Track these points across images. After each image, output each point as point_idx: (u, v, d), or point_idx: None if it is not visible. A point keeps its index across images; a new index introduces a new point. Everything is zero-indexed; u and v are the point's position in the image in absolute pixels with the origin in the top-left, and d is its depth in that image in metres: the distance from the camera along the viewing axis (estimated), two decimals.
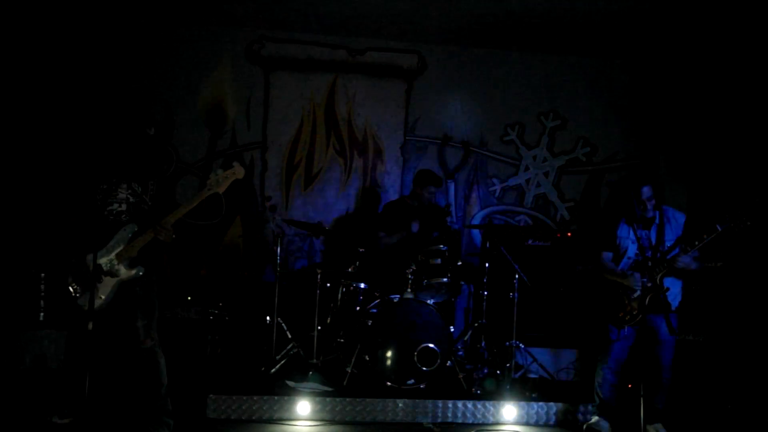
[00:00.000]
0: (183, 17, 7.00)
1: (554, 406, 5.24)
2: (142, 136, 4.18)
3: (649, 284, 4.63)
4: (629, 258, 4.83)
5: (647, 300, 4.64)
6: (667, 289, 4.56)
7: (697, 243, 4.56)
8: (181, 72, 7.15)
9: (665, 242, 4.72)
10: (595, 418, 4.95)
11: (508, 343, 5.91)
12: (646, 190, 4.71)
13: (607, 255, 4.93)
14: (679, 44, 7.02)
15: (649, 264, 4.67)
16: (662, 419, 4.77)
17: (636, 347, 4.87)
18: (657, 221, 4.78)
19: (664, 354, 4.74)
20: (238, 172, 4.18)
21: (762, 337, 5.61)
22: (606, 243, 4.95)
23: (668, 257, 4.61)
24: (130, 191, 4.21)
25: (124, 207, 4.19)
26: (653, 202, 4.73)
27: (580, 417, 5.22)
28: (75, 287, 4.09)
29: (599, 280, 4.95)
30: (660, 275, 4.61)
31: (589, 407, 5.14)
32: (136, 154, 4.24)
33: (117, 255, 4.09)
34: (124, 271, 4.11)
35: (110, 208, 4.18)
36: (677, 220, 4.82)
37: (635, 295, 4.69)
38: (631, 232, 4.80)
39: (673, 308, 4.68)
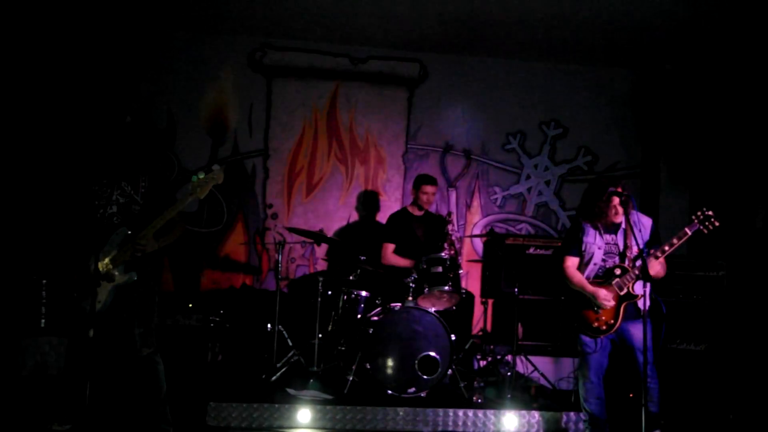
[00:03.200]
0: (185, 25, 7.03)
1: (555, 415, 5.23)
2: (123, 128, 4.15)
3: (622, 292, 4.59)
4: (595, 264, 4.72)
5: (622, 308, 4.60)
6: (640, 296, 4.48)
7: (667, 248, 4.54)
8: (184, 79, 7.16)
9: (632, 247, 4.67)
10: None
11: (509, 352, 5.90)
12: (617, 197, 4.64)
13: (573, 261, 4.79)
14: (680, 52, 7.05)
15: (618, 272, 4.63)
16: (660, 426, 4.72)
17: (615, 355, 4.82)
18: (624, 226, 4.71)
19: (642, 360, 4.66)
20: (218, 177, 4.11)
21: (763, 347, 5.60)
22: (571, 248, 4.81)
23: (638, 264, 4.57)
24: (119, 191, 4.20)
25: (114, 209, 4.18)
26: (622, 208, 4.67)
27: (572, 426, 5.21)
28: (76, 293, 4.09)
29: (568, 289, 4.81)
30: (632, 282, 4.59)
31: (581, 415, 5.11)
32: (120, 146, 4.20)
33: (111, 259, 4.09)
34: (118, 276, 4.10)
35: (102, 211, 4.16)
36: (644, 224, 4.75)
37: (607, 305, 4.63)
38: (598, 238, 4.73)
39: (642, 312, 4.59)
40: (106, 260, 4.08)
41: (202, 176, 4.09)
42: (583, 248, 4.77)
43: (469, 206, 7.55)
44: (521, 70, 7.62)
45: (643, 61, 7.44)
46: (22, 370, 5.60)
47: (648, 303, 4.67)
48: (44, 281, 5.77)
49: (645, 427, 4.21)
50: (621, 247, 4.71)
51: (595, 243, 4.73)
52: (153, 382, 4.21)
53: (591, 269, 4.75)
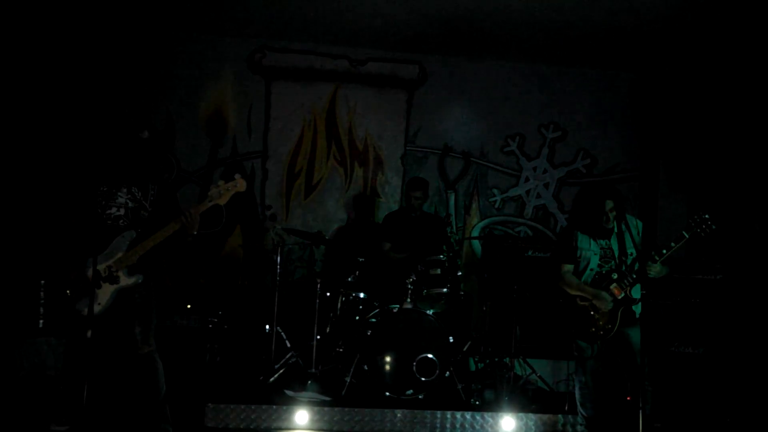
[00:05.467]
0: (185, 26, 7.03)
1: (553, 418, 5.23)
2: (138, 140, 4.18)
3: (620, 296, 4.59)
4: (592, 270, 4.75)
5: (620, 313, 4.60)
6: (638, 300, 4.51)
7: (664, 251, 4.55)
8: (183, 81, 7.17)
9: (627, 251, 4.68)
10: None
11: (507, 354, 5.90)
12: (610, 203, 4.67)
13: (569, 268, 4.83)
14: (679, 56, 7.05)
15: (615, 276, 4.64)
16: (653, 429, 4.71)
17: (612, 360, 4.83)
18: (616, 230, 4.72)
19: (639, 364, 4.67)
20: (240, 185, 4.16)
21: (762, 350, 5.60)
22: (566, 256, 4.86)
23: (637, 267, 4.57)
24: (129, 196, 4.21)
25: (122, 212, 4.18)
26: (614, 213, 4.69)
27: (569, 429, 5.21)
28: (71, 292, 4.09)
29: (565, 295, 4.85)
30: (630, 286, 4.59)
31: (578, 419, 5.12)
32: (135, 158, 4.22)
33: (116, 262, 4.09)
34: (123, 279, 4.10)
35: (108, 212, 4.16)
36: (636, 227, 4.75)
37: (605, 309, 4.64)
38: (592, 243, 4.75)
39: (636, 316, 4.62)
40: (109, 262, 4.07)
41: (222, 184, 4.13)
42: (578, 254, 4.79)
43: (467, 208, 7.56)
44: (520, 73, 7.63)
45: (642, 64, 7.45)
46: (20, 371, 5.60)
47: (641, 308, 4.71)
48: (42, 282, 5.76)
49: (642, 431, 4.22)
50: (616, 252, 4.71)
51: (590, 248, 4.75)
52: (152, 381, 4.21)
53: (587, 275, 4.76)
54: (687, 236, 4.53)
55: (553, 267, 4.95)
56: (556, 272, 4.90)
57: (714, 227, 4.51)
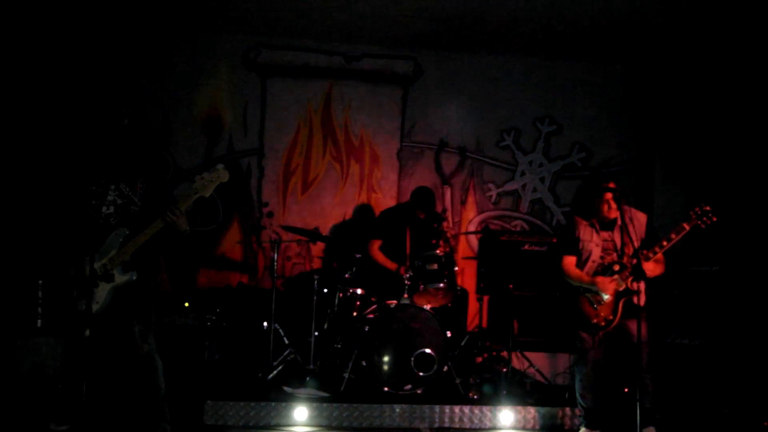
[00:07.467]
0: (180, 24, 7.01)
1: (551, 411, 5.26)
2: (121, 131, 4.15)
3: (621, 288, 4.61)
4: (594, 261, 4.76)
5: (621, 304, 4.62)
6: (638, 292, 4.52)
7: (665, 243, 4.56)
8: (178, 79, 7.15)
9: (629, 243, 4.64)
10: (583, 430, 4.92)
11: (504, 348, 5.92)
12: (608, 193, 4.66)
13: (571, 259, 4.83)
14: (675, 49, 7.05)
15: (617, 268, 4.65)
16: (653, 422, 4.74)
17: (612, 352, 4.84)
18: (619, 222, 4.73)
19: (639, 356, 4.69)
20: (222, 175, 4.13)
21: (758, 341, 5.62)
22: (568, 247, 4.87)
23: (634, 263, 4.56)
24: (117, 192, 4.20)
25: (111, 209, 4.18)
26: (614, 203, 4.70)
27: (568, 421, 5.23)
28: (76, 293, 4.09)
29: (566, 286, 4.86)
30: (630, 279, 4.60)
31: (576, 412, 5.13)
32: (117, 149, 4.20)
33: (110, 260, 4.09)
34: (118, 276, 4.10)
35: (101, 210, 4.17)
36: (639, 220, 4.77)
37: (605, 299, 4.65)
38: (595, 235, 4.77)
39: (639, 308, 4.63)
40: (104, 260, 4.08)
41: (206, 175, 4.11)
42: (580, 246, 4.81)
43: (463, 203, 7.56)
44: (516, 67, 7.62)
45: (636, 56, 7.45)
46: (19, 371, 5.60)
47: (644, 298, 4.72)
48: (40, 281, 5.77)
49: (639, 423, 4.24)
50: (618, 244, 4.72)
51: (593, 240, 4.77)
52: (152, 380, 4.22)
53: (590, 266, 4.77)
54: (687, 228, 4.53)
55: (555, 259, 4.96)
56: (557, 264, 4.90)
57: (715, 219, 4.51)
